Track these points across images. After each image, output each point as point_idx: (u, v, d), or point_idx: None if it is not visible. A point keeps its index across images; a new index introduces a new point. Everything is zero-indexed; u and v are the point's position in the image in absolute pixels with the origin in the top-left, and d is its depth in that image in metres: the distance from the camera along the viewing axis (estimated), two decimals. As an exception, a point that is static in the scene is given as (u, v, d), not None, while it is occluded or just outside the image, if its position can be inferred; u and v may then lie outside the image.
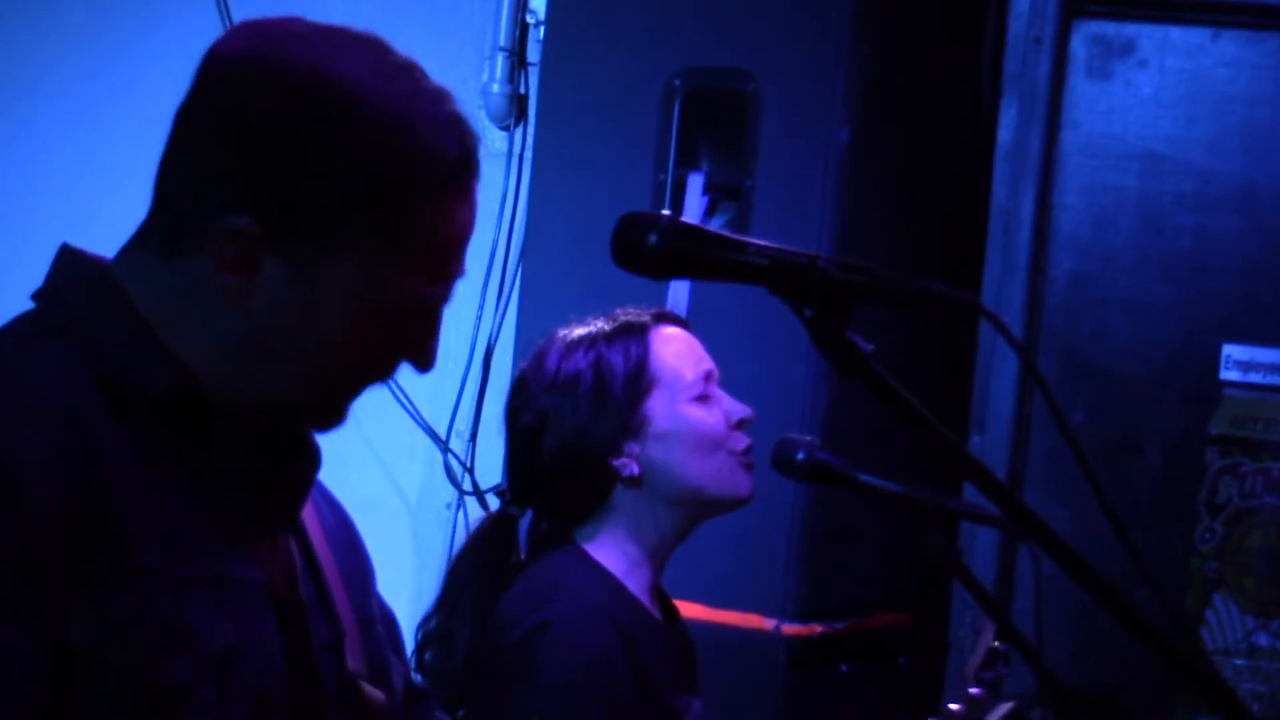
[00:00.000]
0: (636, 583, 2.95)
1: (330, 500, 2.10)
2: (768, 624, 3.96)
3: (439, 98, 1.82)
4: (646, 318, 3.01)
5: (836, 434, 3.86)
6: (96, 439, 1.71)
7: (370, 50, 1.81)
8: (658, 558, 2.99)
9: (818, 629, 4.01)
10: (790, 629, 3.98)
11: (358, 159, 1.76)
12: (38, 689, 1.65)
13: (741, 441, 2.98)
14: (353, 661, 1.96)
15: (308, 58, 1.77)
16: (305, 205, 1.76)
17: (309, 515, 1.99)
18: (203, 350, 1.80)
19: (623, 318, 3.01)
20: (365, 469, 4.95)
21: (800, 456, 2.68)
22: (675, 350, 2.99)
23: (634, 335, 2.98)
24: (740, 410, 3.00)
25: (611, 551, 2.95)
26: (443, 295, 1.85)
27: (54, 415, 1.70)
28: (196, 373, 1.80)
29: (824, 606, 4.04)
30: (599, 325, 3.00)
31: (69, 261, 1.84)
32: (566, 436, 2.93)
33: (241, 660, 1.77)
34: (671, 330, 3.02)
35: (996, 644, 2.89)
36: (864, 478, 2.59)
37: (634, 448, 2.93)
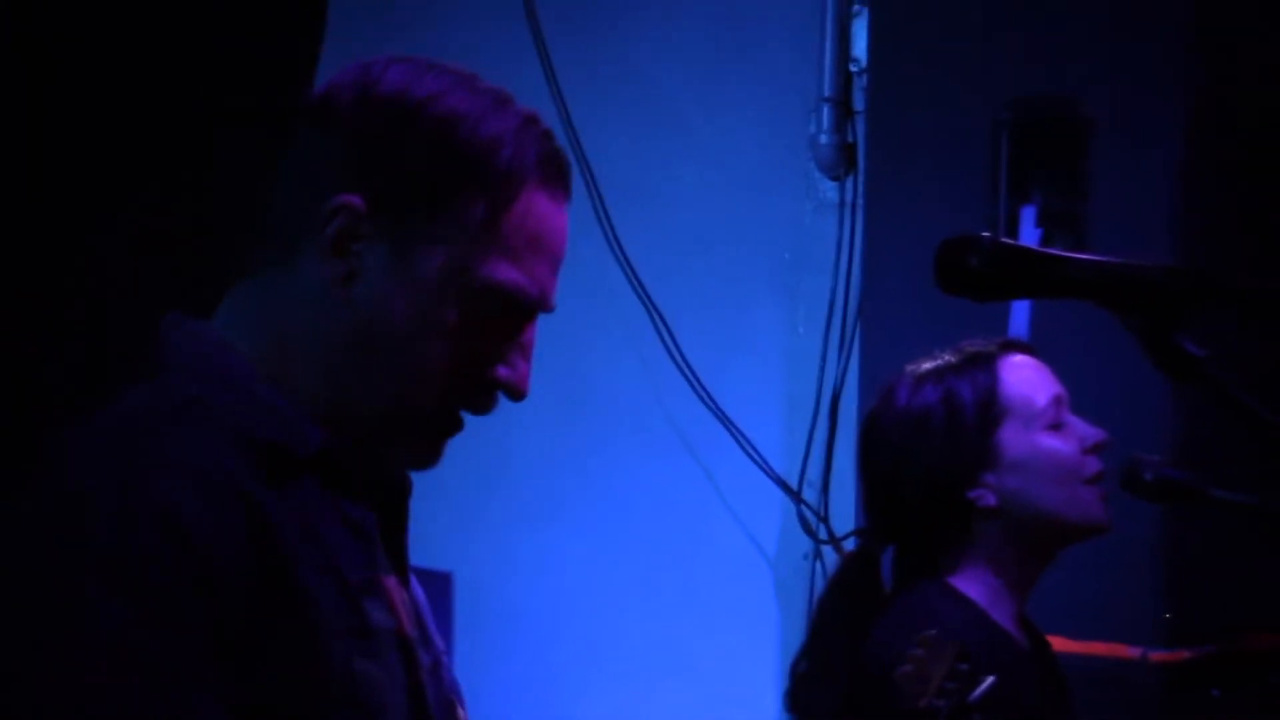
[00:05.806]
0: (1001, 612, 2.95)
1: None
2: (1133, 652, 3.90)
3: (525, 113, 1.89)
4: (993, 347, 3.02)
5: (1197, 451, 3.78)
6: (264, 508, 1.75)
7: (457, 73, 1.89)
8: (1021, 587, 2.98)
9: (1186, 655, 3.93)
10: (1158, 656, 3.90)
11: (450, 144, 1.83)
12: None
13: (1094, 466, 2.95)
14: (447, 683, 1.98)
15: (410, 70, 1.87)
16: (406, 183, 1.83)
17: None
18: (314, 359, 1.84)
19: (968, 349, 3.01)
20: (722, 525, 4.98)
21: (1148, 476, 2.65)
22: (1024, 377, 2.98)
23: (981, 365, 2.98)
24: (1094, 434, 2.97)
25: (975, 582, 2.95)
26: (536, 302, 1.87)
27: (228, 491, 1.74)
28: (314, 397, 1.84)
29: (1191, 631, 3.96)
30: (945, 359, 3.01)
31: (179, 332, 1.87)
32: (922, 471, 2.94)
33: (385, 711, 1.82)
34: (1019, 358, 3.01)
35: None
36: (1217, 492, 2.55)
37: (990, 478, 2.93)
